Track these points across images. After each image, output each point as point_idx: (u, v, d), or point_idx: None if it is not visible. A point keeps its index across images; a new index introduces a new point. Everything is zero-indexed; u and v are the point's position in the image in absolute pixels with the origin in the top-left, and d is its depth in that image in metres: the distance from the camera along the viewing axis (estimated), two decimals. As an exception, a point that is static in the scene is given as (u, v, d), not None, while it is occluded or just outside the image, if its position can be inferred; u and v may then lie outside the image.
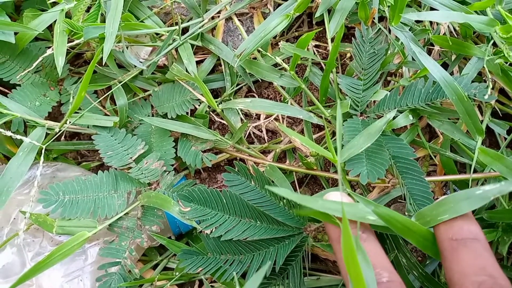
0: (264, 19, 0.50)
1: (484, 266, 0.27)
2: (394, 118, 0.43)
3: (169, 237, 0.48)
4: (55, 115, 0.53)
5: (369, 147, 0.35)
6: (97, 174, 0.44)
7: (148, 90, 0.50)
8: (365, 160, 0.36)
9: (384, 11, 0.45)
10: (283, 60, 0.47)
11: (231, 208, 0.40)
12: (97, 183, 0.43)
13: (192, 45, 0.49)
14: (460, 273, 0.27)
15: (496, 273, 0.26)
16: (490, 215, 0.41)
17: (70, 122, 0.44)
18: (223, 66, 0.50)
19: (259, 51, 0.48)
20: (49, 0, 0.45)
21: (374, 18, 0.45)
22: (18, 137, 0.41)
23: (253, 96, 0.52)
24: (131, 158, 0.45)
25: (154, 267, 0.49)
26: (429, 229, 0.31)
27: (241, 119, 0.50)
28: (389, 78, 0.48)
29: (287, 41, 0.52)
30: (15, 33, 0.44)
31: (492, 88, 0.39)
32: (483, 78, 0.46)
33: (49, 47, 0.45)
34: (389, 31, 0.45)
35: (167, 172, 0.45)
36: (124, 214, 0.43)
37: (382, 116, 0.43)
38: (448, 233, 0.29)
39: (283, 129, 0.39)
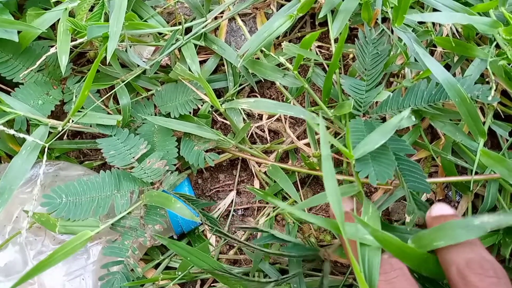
0: (267, 19, 0.51)
1: (473, 247, 0.31)
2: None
3: (171, 236, 0.49)
4: (58, 114, 0.53)
5: (376, 150, 0.35)
6: (99, 173, 0.44)
7: (151, 90, 0.50)
8: (371, 161, 0.35)
9: (387, 12, 0.45)
10: (285, 60, 0.47)
11: None
12: (99, 183, 0.43)
13: (195, 45, 0.49)
14: (454, 252, 0.31)
15: (483, 251, 0.31)
16: None
17: (73, 121, 0.44)
18: (226, 66, 0.50)
19: (262, 51, 0.48)
20: (53, -1, 0.45)
21: (377, 19, 0.45)
22: (21, 135, 0.41)
23: (256, 97, 0.52)
24: (133, 157, 0.45)
25: (156, 266, 0.49)
26: (425, 252, 0.31)
27: (244, 119, 0.50)
28: (391, 79, 0.49)
29: (289, 41, 0.51)
30: (18, 32, 0.44)
31: (495, 90, 0.39)
32: (486, 80, 0.46)
33: (52, 46, 0.45)
34: (392, 32, 0.45)
35: (170, 172, 0.46)
36: (127, 213, 0.43)
37: (385, 117, 0.43)
38: None
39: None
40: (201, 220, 0.43)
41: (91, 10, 0.45)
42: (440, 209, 0.35)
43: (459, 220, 0.31)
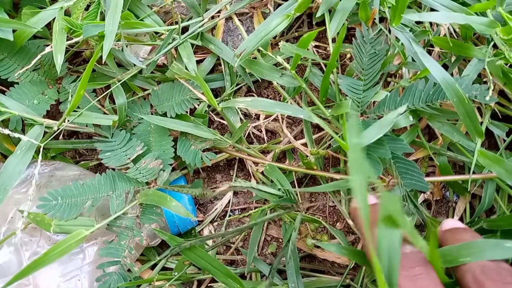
0: (264, 19, 0.50)
1: None
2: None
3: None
4: (54, 113, 0.53)
5: (370, 146, 0.35)
6: (95, 173, 0.44)
7: (148, 89, 0.50)
8: (365, 159, 0.35)
9: (384, 12, 0.45)
10: (283, 60, 0.47)
11: None
12: (95, 185, 0.43)
13: (192, 45, 0.49)
14: None
15: (499, 260, 0.29)
16: (489, 224, 0.41)
17: (68, 121, 0.44)
18: (222, 66, 0.50)
19: (259, 50, 0.48)
20: (48, -3, 0.45)
21: (374, 19, 0.44)
22: (16, 135, 0.40)
23: (253, 96, 0.52)
24: (129, 158, 0.44)
25: (152, 267, 0.49)
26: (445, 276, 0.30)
27: (241, 119, 0.50)
28: (389, 79, 0.48)
29: (287, 41, 0.51)
30: (13, 31, 0.44)
31: (492, 90, 0.39)
32: (483, 80, 0.46)
33: (47, 45, 0.44)
34: (390, 31, 0.45)
35: (164, 170, 0.45)
36: (123, 213, 0.43)
37: (382, 116, 0.43)
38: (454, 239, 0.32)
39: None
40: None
41: (87, 9, 0.45)
42: (451, 223, 0.34)
43: (488, 240, 0.29)
